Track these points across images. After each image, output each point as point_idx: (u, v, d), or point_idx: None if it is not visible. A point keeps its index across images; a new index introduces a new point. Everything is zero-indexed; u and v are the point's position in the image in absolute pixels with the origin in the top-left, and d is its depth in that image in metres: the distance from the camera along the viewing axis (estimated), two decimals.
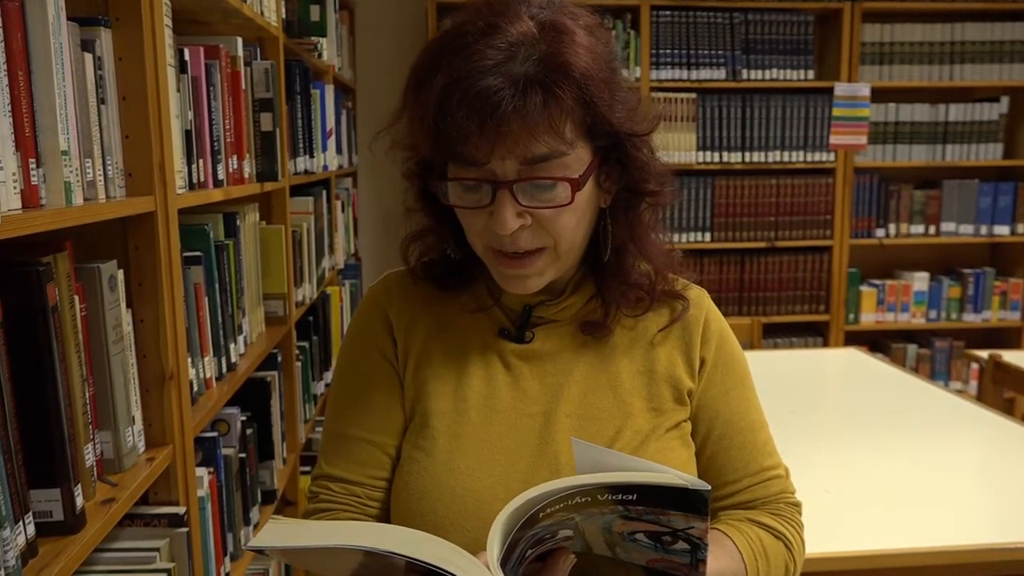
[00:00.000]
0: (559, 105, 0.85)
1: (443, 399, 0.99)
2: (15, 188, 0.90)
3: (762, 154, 3.93)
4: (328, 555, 0.81)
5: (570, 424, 0.97)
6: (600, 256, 0.98)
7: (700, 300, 1.05)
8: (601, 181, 0.95)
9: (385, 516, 1.02)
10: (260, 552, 0.80)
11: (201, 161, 1.52)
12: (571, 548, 0.84)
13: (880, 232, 4.07)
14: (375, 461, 1.01)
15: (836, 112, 3.87)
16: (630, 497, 0.78)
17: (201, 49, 1.53)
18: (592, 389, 0.99)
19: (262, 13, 1.96)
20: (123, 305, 1.17)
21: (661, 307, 1.02)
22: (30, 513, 0.91)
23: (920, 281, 4.12)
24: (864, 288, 4.10)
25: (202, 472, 1.43)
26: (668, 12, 3.78)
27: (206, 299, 1.51)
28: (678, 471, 0.79)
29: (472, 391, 0.99)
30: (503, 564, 0.74)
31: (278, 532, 0.79)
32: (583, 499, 0.77)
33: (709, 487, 0.77)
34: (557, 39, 0.87)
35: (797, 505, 1.06)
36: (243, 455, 1.71)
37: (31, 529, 0.91)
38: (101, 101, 1.13)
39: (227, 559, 1.57)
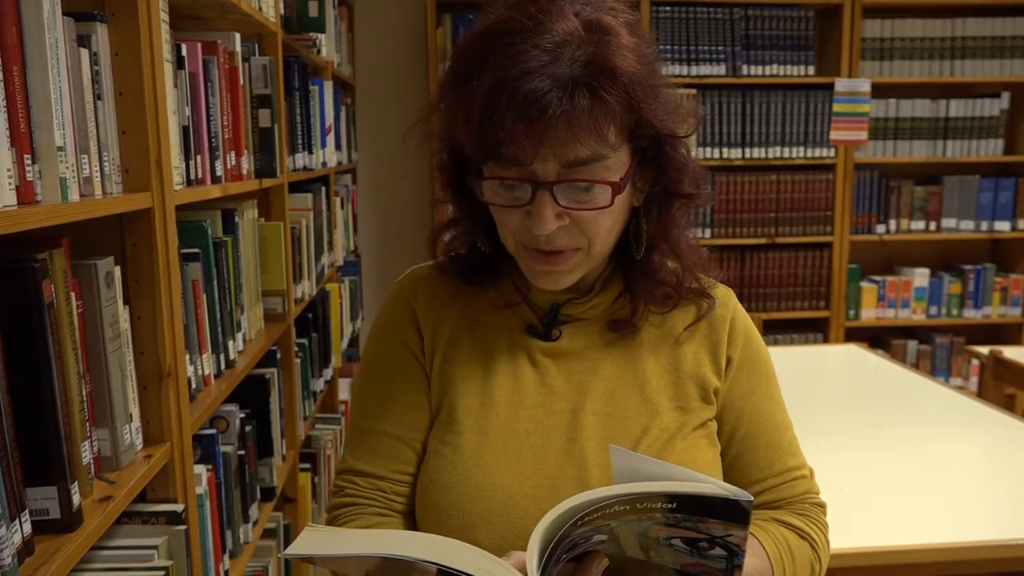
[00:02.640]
0: (604, 108, 0.84)
1: (470, 394, 0.99)
2: (10, 184, 0.90)
3: (762, 150, 3.92)
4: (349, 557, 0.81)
5: (596, 422, 0.97)
6: (628, 253, 0.98)
7: (726, 299, 1.04)
8: (636, 180, 0.94)
9: (411, 511, 1.01)
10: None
11: (199, 157, 1.51)
12: (604, 551, 0.84)
13: (880, 228, 4.06)
14: (401, 456, 1.00)
15: (836, 108, 3.86)
16: (670, 505, 0.78)
17: (199, 45, 1.52)
18: (618, 387, 0.99)
19: (260, 9, 1.95)
20: (120, 302, 1.17)
21: (688, 305, 1.02)
22: (26, 511, 0.91)
23: (920, 277, 4.11)
24: (864, 284, 4.10)
25: (200, 469, 1.42)
26: (668, 8, 3.77)
27: (204, 296, 1.51)
28: (719, 480, 0.78)
29: (499, 387, 0.99)
30: (541, 570, 0.74)
31: (313, 541, 0.79)
32: (622, 507, 0.77)
33: (751, 497, 0.77)
34: (603, 40, 0.86)
35: (822, 505, 1.06)
36: (242, 452, 1.71)
37: (27, 527, 0.91)
38: (97, 97, 1.12)
39: (226, 556, 1.56)
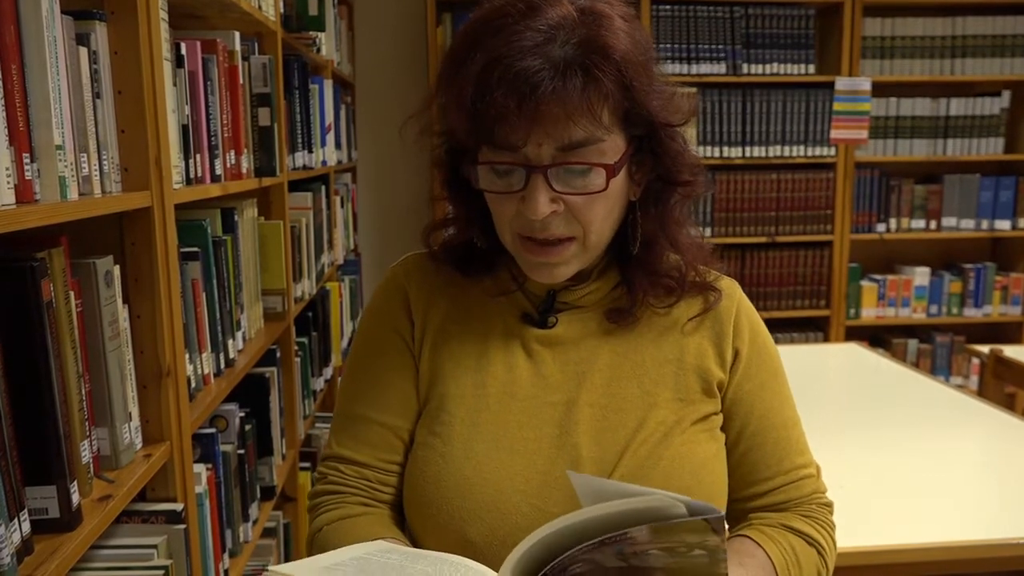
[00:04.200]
0: (598, 88, 0.84)
1: (461, 384, 0.98)
2: (8, 183, 0.89)
3: (762, 149, 3.92)
4: None
5: (592, 414, 0.95)
6: (626, 247, 0.97)
7: (732, 291, 1.03)
8: (632, 172, 0.94)
9: (396, 502, 1.00)
10: None
11: (198, 156, 1.51)
12: (581, 570, 0.83)
13: (881, 227, 4.06)
14: (387, 444, 0.99)
15: (837, 106, 3.85)
16: (640, 532, 0.76)
17: (198, 43, 1.52)
18: (616, 378, 0.97)
19: (260, 7, 1.95)
20: (119, 301, 1.17)
21: (694, 296, 1.01)
22: (25, 510, 0.90)
23: (921, 276, 4.10)
24: (865, 283, 4.09)
25: (200, 468, 1.42)
26: (668, 6, 3.77)
27: (204, 295, 1.51)
28: (685, 497, 0.75)
29: (492, 377, 0.97)
30: None
31: None
32: (592, 546, 0.76)
33: (721, 512, 0.74)
34: (597, 22, 0.86)
35: (829, 505, 1.05)
36: (242, 451, 1.71)
37: (26, 527, 0.90)
38: (96, 95, 1.12)
39: (225, 555, 1.56)
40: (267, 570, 0.79)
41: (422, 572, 0.78)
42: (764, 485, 1.01)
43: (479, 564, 0.80)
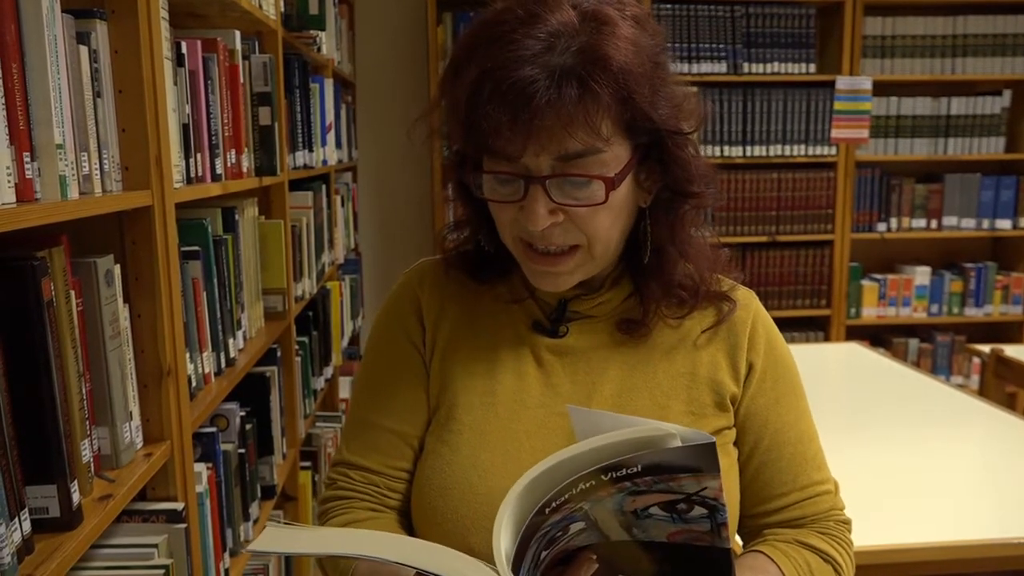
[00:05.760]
0: (595, 99, 0.82)
1: (470, 392, 0.97)
2: (9, 182, 0.89)
3: (763, 148, 3.92)
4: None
5: None
6: (639, 255, 0.95)
7: (748, 302, 1.01)
8: (641, 180, 0.91)
9: (404, 508, 1.00)
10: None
11: (199, 155, 1.51)
12: (587, 540, 0.82)
13: (881, 226, 4.05)
14: (396, 451, 0.99)
15: (837, 106, 3.85)
16: (635, 470, 0.75)
17: (198, 43, 1.52)
18: (627, 390, 0.96)
19: (260, 6, 1.95)
20: (120, 300, 1.17)
21: (707, 307, 0.99)
22: (26, 510, 0.90)
23: (921, 275, 4.10)
24: (865, 282, 4.09)
25: (201, 468, 1.42)
26: (669, 5, 3.77)
27: (204, 294, 1.50)
28: (679, 426, 0.75)
29: (501, 385, 0.96)
30: (517, 568, 0.72)
31: (276, 538, 0.79)
32: (587, 484, 0.75)
33: (713, 438, 0.73)
34: (598, 30, 0.83)
35: (847, 523, 1.02)
36: (242, 450, 1.71)
37: (27, 526, 0.90)
38: (97, 94, 1.12)
39: (226, 555, 1.56)
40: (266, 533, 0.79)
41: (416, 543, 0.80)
42: (779, 501, 0.99)
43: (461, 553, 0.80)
